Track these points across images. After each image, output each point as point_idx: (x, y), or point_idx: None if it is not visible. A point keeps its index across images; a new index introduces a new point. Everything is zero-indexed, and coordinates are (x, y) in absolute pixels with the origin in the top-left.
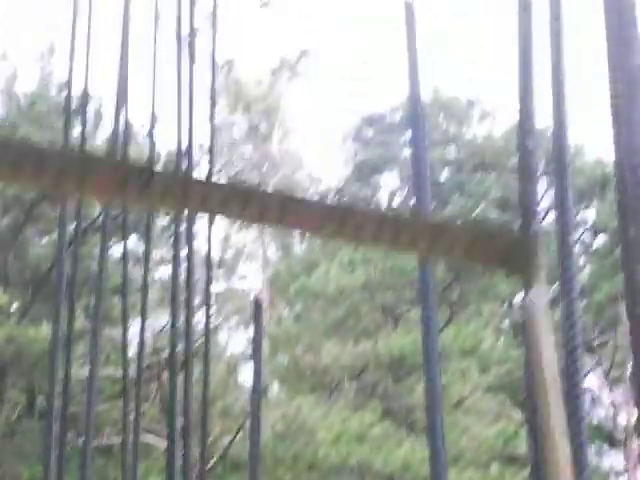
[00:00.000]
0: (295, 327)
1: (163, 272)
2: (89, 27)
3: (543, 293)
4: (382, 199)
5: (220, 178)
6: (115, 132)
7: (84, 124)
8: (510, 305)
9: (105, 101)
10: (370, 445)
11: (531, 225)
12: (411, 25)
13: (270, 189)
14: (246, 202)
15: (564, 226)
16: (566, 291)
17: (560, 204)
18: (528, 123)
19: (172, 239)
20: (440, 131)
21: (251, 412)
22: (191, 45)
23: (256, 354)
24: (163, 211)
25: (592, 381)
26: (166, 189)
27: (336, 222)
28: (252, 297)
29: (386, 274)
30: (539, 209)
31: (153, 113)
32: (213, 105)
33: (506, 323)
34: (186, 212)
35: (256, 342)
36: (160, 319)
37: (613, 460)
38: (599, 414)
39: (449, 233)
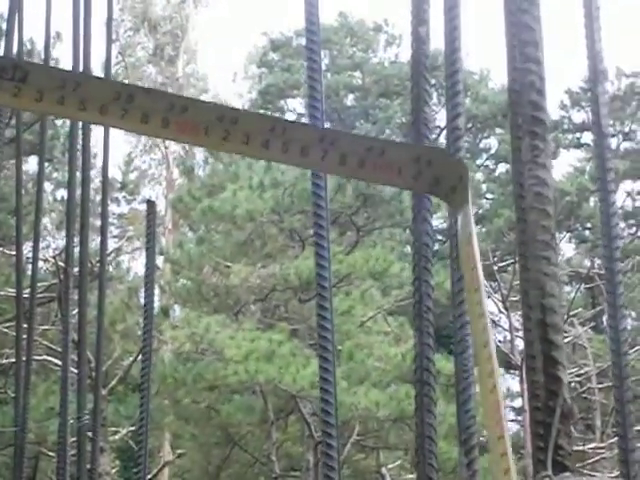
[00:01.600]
0: (198, 249)
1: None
2: None
3: (470, 217)
4: None
5: None
6: (7, 48)
7: None
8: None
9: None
10: (278, 363)
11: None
12: None
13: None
14: (130, 102)
15: (456, 150)
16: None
17: (452, 126)
18: (421, 43)
19: (67, 156)
20: (346, 56)
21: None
22: None
23: (149, 260)
24: (38, 113)
25: (491, 306)
26: (44, 85)
27: (224, 128)
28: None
29: (295, 198)
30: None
31: (48, 29)
32: (110, 19)
33: (408, 249)
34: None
35: (149, 245)
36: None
37: (510, 383)
38: (497, 338)
39: (348, 146)
